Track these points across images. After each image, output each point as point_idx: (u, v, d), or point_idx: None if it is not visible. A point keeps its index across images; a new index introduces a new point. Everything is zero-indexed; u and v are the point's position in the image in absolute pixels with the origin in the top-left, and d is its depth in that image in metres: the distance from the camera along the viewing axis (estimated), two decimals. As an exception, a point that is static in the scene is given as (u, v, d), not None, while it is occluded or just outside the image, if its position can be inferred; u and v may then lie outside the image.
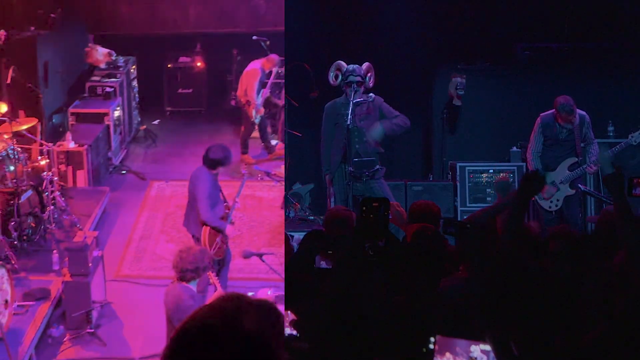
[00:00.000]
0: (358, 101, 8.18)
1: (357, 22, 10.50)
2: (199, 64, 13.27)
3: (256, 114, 11.61)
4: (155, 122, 13.26)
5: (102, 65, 12.26)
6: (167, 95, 13.56)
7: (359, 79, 8.20)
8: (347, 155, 8.10)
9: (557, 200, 8.51)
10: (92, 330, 7.72)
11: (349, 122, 7.95)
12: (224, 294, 2.01)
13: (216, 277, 7.06)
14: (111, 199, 10.46)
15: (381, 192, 8.13)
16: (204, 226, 7.83)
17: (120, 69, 12.41)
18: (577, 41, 10.37)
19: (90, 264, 7.87)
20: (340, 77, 8.30)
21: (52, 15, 11.59)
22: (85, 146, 10.57)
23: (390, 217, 5.59)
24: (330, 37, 10.30)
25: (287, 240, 7.01)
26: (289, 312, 4.04)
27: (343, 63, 8.35)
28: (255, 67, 11.69)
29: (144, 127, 12.89)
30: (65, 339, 7.66)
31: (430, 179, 10.39)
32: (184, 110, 13.35)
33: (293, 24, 9.62)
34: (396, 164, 9.84)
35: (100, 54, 12.18)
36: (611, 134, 9.79)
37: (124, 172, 11.53)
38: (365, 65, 8.32)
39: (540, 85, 9.53)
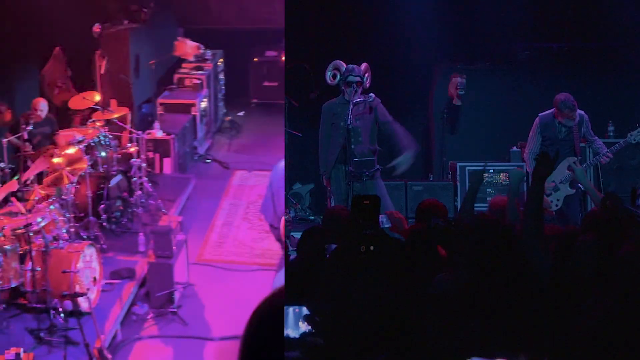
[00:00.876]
0: (358, 101, 8.07)
1: (357, 22, 10.41)
2: (284, 58, 13.46)
3: None
4: (240, 113, 13.49)
5: (191, 58, 12.53)
6: (252, 87, 13.79)
7: (358, 79, 8.08)
8: (346, 155, 7.96)
9: (558, 200, 8.36)
10: (175, 310, 7.90)
11: (348, 122, 7.83)
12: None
13: None
14: (195, 186, 10.70)
15: (379, 193, 8.02)
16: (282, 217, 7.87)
17: (208, 61, 12.67)
18: (577, 41, 10.20)
19: (174, 247, 8.05)
20: (338, 76, 8.20)
21: (145, 9, 11.91)
22: (173, 135, 10.85)
23: (390, 225, 5.58)
24: (330, 37, 10.23)
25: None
26: (295, 308, 4.02)
27: (341, 62, 8.25)
28: None
29: (229, 118, 13.14)
30: (148, 317, 7.85)
31: (431, 179, 10.28)
32: (268, 103, 13.53)
33: (293, 24, 9.49)
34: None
35: (189, 47, 12.45)
36: (611, 134, 9.58)
37: (208, 160, 11.78)
38: (364, 65, 8.17)
39: (540, 85, 9.33)
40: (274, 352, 1.96)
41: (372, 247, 3.65)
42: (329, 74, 8.22)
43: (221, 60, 13.15)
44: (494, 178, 9.44)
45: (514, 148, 9.65)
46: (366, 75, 8.17)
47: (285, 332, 3.87)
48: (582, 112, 8.34)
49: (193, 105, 11.78)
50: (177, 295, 8.03)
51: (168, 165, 10.81)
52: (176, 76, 12.30)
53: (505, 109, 10.19)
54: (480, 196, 9.28)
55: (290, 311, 4.03)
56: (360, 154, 8.11)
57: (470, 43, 10.32)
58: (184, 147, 11.19)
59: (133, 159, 9.65)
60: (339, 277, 3.80)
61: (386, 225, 5.71)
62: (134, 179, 9.58)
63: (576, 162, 8.06)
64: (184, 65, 12.53)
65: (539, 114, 8.34)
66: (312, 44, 10.16)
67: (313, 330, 3.71)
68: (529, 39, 10.36)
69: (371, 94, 8.17)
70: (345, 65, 8.18)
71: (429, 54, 10.39)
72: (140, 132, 10.07)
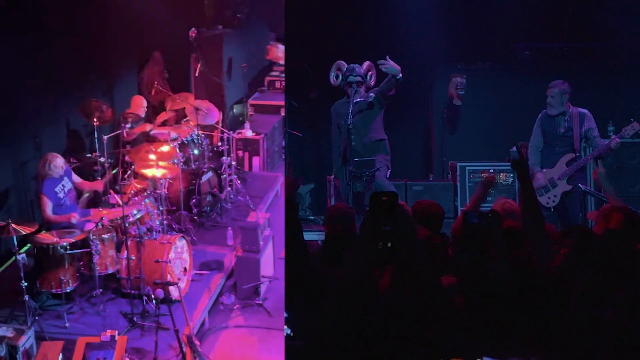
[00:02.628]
0: (358, 101, 8.00)
1: (357, 22, 10.32)
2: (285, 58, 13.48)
3: None
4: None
5: (282, 62, 12.71)
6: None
7: (358, 78, 8.00)
8: (346, 155, 7.94)
9: (555, 196, 8.18)
10: (260, 302, 8.05)
11: (349, 122, 7.81)
12: None
13: None
14: (283, 184, 10.86)
15: (382, 187, 7.99)
16: None
17: (299, 65, 12.84)
18: (577, 41, 9.92)
19: (261, 242, 8.21)
20: (340, 77, 8.14)
21: (239, 15, 12.17)
22: (262, 135, 11.06)
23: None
24: (330, 37, 10.19)
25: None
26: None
27: (343, 63, 8.13)
28: None
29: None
30: (235, 307, 8.03)
31: (431, 179, 10.15)
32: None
33: (293, 24, 9.51)
34: (396, 164, 9.63)
35: (280, 51, 12.62)
36: (611, 133, 9.30)
37: (295, 160, 11.95)
38: (366, 64, 8.08)
39: (540, 85, 9.14)
40: None
41: (389, 244, 3.62)
42: (332, 75, 8.22)
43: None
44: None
45: (514, 148, 9.46)
46: (369, 73, 8.10)
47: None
48: (584, 111, 8.26)
49: (282, 106, 11.92)
50: (262, 288, 8.18)
51: (257, 163, 11.01)
52: (267, 79, 12.52)
53: (505, 109, 10.11)
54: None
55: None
56: (364, 149, 8.10)
57: (470, 43, 10.21)
58: (273, 146, 11.37)
59: (223, 157, 9.90)
60: (353, 279, 3.77)
61: None
62: (224, 176, 9.81)
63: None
64: (275, 68, 12.72)
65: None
66: (312, 44, 10.17)
67: (292, 334, 3.69)
68: (529, 39, 10.21)
69: (371, 93, 8.14)
70: (346, 66, 8.17)
71: (429, 54, 10.31)
72: (231, 132, 10.31)
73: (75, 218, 7.86)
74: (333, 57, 8.52)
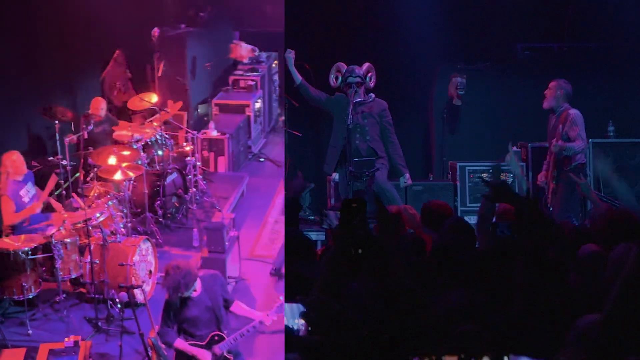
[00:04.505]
0: (358, 101, 7.98)
1: (357, 22, 10.29)
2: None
3: None
4: (294, 114, 13.50)
5: (246, 60, 12.59)
6: (306, 88, 13.74)
7: (358, 79, 7.96)
8: (347, 155, 7.89)
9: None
10: (226, 303, 8.00)
11: (349, 122, 7.75)
12: None
13: None
14: (249, 184, 10.74)
15: (383, 188, 7.99)
16: None
17: (263, 63, 12.71)
18: (577, 41, 9.96)
19: (226, 243, 8.10)
20: (340, 78, 8.12)
21: (202, 14, 12.04)
22: (227, 135, 10.92)
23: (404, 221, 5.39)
24: (330, 37, 10.13)
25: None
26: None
27: (343, 64, 8.12)
28: None
29: (283, 118, 13.15)
30: (201, 309, 7.95)
31: (430, 178, 10.12)
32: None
33: (293, 24, 9.41)
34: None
35: (244, 49, 12.50)
36: (611, 133, 9.37)
37: (262, 159, 11.81)
38: (365, 65, 8.06)
39: (540, 85, 9.17)
40: None
41: (360, 251, 3.56)
42: (331, 76, 8.17)
43: (276, 62, 13.18)
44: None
45: (514, 148, 9.46)
46: (369, 74, 8.07)
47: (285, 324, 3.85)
48: (574, 111, 8.17)
49: (247, 105, 11.83)
50: (229, 289, 8.06)
51: (222, 163, 10.88)
52: (231, 78, 12.36)
53: (505, 109, 10.06)
54: (480, 196, 9.17)
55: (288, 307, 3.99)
56: (367, 152, 8.06)
57: (470, 43, 10.19)
58: (238, 146, 11.26)
59: (188, 158, 9.76)
60: (333, 277, 3.70)
61: None
62: (189, 176, 9.68)
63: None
64: (239, 67, 12.59)
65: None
66: (313, 44, 10.06)
67: (309, 328, 3.62)
68: (529, 39, 10.21)
69: (371, 94, 8.10)
70: (346, 67, 8.12)
71: (429, 54, 10.24)
72: (195, 132, 10.19)
73: (39, 207, 7.68)
74: (333, 57, 8.49)
